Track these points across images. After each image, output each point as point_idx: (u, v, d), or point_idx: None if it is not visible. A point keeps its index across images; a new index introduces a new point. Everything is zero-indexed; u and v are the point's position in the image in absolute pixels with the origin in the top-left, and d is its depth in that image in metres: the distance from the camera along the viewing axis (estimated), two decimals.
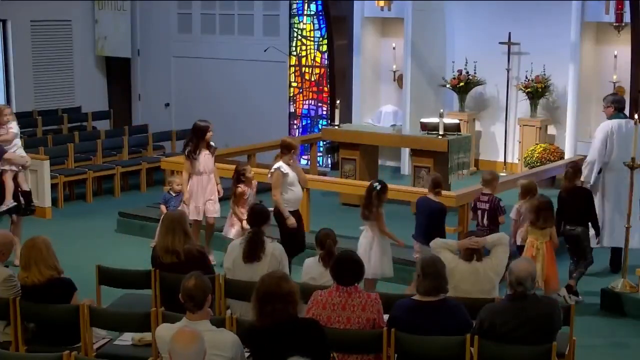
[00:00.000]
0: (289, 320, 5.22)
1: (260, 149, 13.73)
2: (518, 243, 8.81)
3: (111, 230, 12.03)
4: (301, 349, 5.01)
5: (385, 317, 6.00)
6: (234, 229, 9.61)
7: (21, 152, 10.70)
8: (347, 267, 5.98)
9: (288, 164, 9.21)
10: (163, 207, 10.62)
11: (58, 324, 6.59)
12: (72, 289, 6.63)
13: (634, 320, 8.65)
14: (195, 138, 10.11)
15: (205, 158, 10.15)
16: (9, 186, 10.22)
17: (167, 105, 17.98)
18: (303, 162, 16.31)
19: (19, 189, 10.44)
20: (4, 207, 10.25)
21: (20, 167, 10.45)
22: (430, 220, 8.76)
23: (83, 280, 7.25)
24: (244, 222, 9.30)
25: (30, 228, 10.69)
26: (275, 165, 9.17)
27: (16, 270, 6.87)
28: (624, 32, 12.84)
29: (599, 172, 9.79)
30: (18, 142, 10.68)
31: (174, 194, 10.72)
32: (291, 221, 9.08)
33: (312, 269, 7.36)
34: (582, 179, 9.62)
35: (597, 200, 9.70)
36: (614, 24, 12.81)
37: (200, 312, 5.35)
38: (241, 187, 9.66)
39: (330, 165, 15.52)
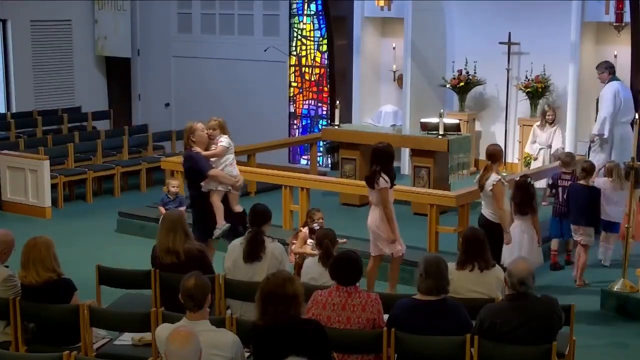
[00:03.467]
0: (291, 320, 5.22)
1: (260, 149, 13.72)
2: (603, 217, 9.86)
3: (111, 230, 12.03)
4: (302, 349, 5.02)
5: (386, 317, 6.01)
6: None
7: (231, 169, 9.21)
8: (346, 267, 5.98)
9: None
10: (162, 209, 10.61)
11: (58, 324, 6.58)
12: (72, 289, 6.63)
13: (634, 320, 8.66)
14: (385, 164, 8.79)
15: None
16: (218, 207, 8.98)
17: (167, 105, 17.97)
18: (303, 162, 16.34)
19: (231, 211, 9.16)
20: (217, 231, 8.95)
21: (229, 188, 9.14)
22: (589, 203, 9.56)
23: (83, 280, 7.25)
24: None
25: (30, 228, 10.70)
26: (494, 177, 8.64)
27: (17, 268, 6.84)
28: (624, 32, 12.83)
29: None
30: (229, 158, 9.18)
31: (171, 197, 10.70)
32: (509, 238, 8.61)
33: (311, 269, 7.36)
34: (595, 132, 11.85)
35: (606, 152, 11.62)
36: (614, 24, 12.79)
37: (200, 311, 5.35)
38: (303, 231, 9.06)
39: (330, 165, 15.50)
